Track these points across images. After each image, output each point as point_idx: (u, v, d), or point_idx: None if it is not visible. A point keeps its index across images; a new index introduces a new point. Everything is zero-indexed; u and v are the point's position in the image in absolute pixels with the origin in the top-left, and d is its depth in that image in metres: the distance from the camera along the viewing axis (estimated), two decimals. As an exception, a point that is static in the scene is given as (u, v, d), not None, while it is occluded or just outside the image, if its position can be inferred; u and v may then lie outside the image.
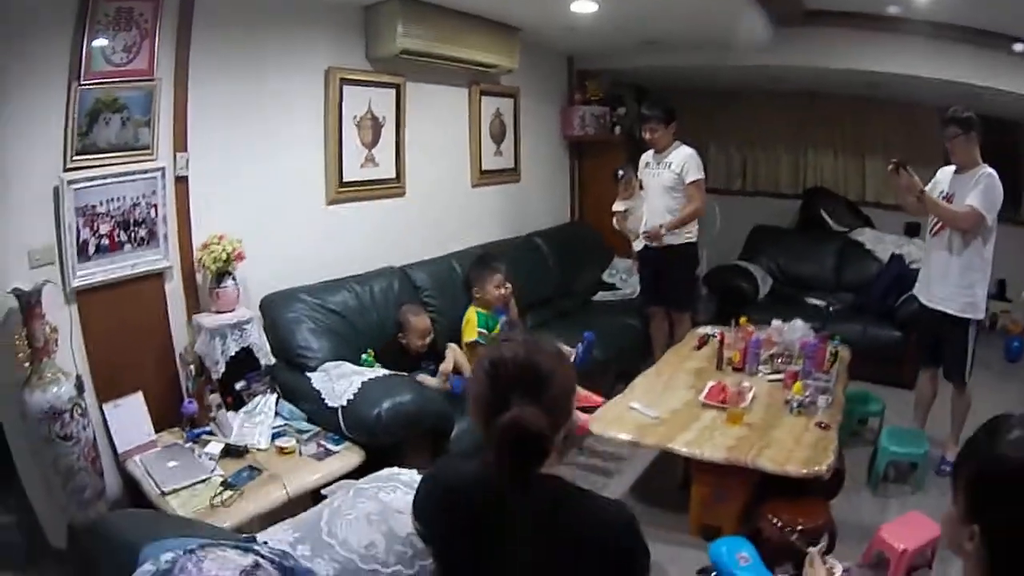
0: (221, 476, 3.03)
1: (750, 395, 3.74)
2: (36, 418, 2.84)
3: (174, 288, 3.58)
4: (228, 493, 2.90)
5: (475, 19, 4.64)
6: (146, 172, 3.36)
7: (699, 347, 4.52)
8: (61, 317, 3.09)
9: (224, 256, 3.51)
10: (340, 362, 3.71)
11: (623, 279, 5.86)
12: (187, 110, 3.51)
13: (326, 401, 3.45)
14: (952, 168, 4.02)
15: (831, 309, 5.79)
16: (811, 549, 2.23)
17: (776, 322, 4.42)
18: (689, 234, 4.86)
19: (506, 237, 5.55)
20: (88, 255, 3.21)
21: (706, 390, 3.78)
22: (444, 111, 5.12)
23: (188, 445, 3.28)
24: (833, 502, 3.44)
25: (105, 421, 3.22)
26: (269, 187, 3.94)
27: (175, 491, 2.93)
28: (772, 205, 7.36)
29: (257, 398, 3.56)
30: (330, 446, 3.36)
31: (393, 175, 4.68)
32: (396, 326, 4.13)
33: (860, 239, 6.39)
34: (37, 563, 3.02)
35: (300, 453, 3.31)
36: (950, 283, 3.98)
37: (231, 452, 3.24)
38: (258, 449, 3.30)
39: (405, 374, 3.78)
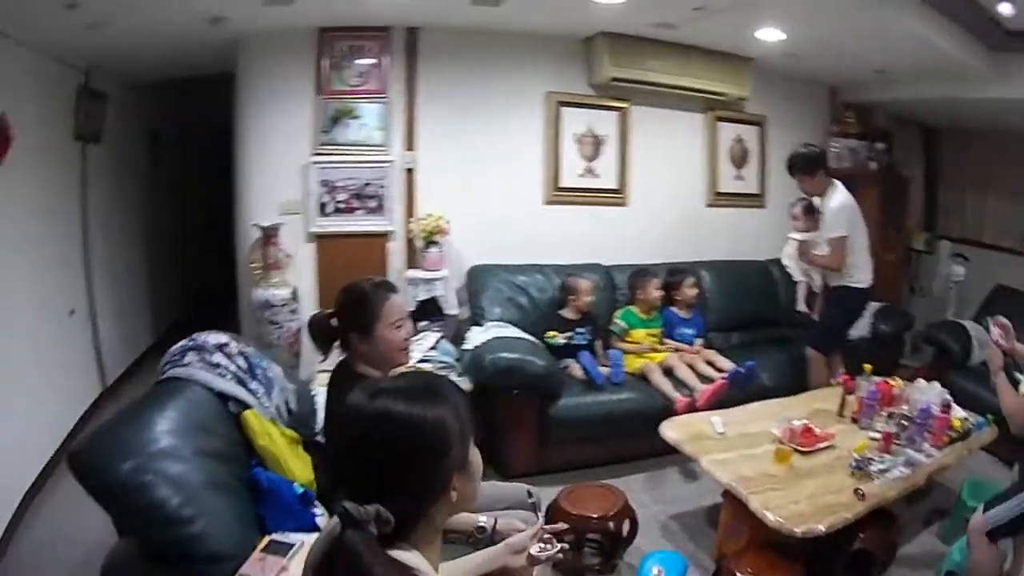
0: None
1: (826, 443, 3.71)
2: (256, 305, 4.79)
3: (396, 247, 5.31)
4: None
5: (695, 50, 5.50)
6: (378, 163, 5.17)
7: (851, 391, 4.35)
8: (303, 250, 5.08)
9: (429, 229, 5.07)
10: (504, 323, 4.98)
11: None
12: (415, 120, 5.24)
13: (465, 345, 4.79)
14: None
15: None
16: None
17: (920, 382, 4.28)
18: (851, 279, 4.91)
19: (739, 259, 6.05)
20: (326, 212, 5.11)
21: (785, 425, 3.78)
22: (675, 133, 6.04)
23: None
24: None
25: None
26: (489, 183, 5.47)
27: (326, 371, 4.44)
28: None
29: (425, 333, 5.00)
30: (453, 376, 4.58)
31: (615, 186, 5.80)
32: (561, 295, 5.17)
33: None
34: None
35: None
36: None
37: (384, 363, 4.75)
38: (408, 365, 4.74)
39: (535, 340, 4.83)
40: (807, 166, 4.86)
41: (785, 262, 5.32)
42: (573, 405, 4.56)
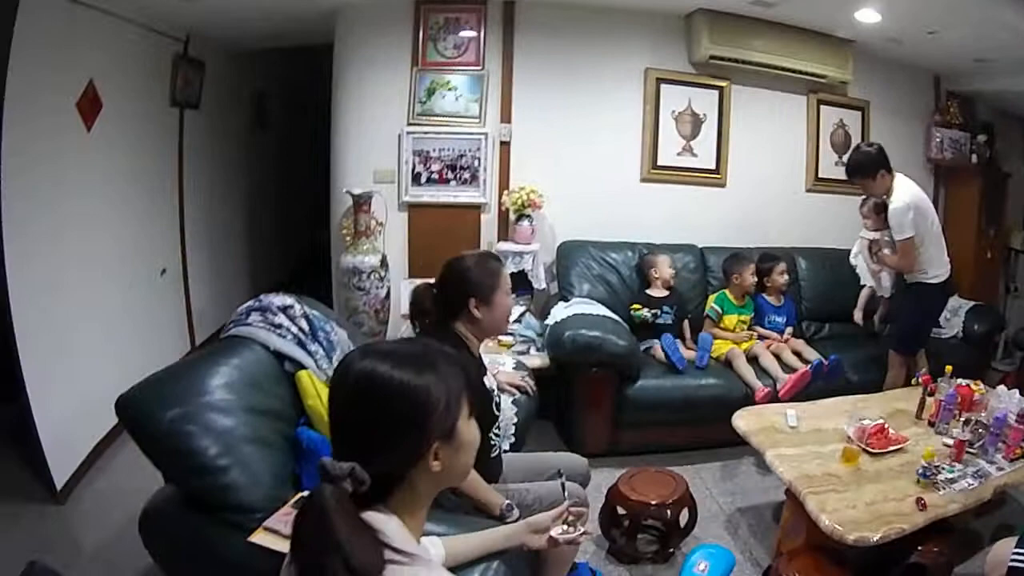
0: (442, 343, 4.53)
1: (898, 446, 3.44)
2: (343, 270, 4.82)
3: (489, 219, 5.31)
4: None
5: (796, 30, 5.31)
6: (472, 134, 5.16)
7: (931, 393, 4.00)
8: (395, 218, 5.11)
9: (519, 202, 5.02)
10: (590, 300, 4.90)
11: (947, 318, 5.45)
12: (512, 93, 5.21)
13: (548, 320, 4.72)
14: None
15: None
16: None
17: (1001, 388, 3.86)
18: (925, 275, 4.52)
19: (838, 247, 5.59)
20: (420, 182, 5.15)
21: (857, 424, 3.54)
22: (776, 115, 5.82)
23: (449, 320, 4.85)
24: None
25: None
26: (584, 158, 5.39)
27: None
28: None
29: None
30: (533, 350, 4.65)
31: (712, 166, 5.66)
32: (641, 275, 5.08)
33: None
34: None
35: (511, 347, 4.65)
36: None
37: (468, 334, 4.71)
38: (487, 339, 4.71)
39: (617, 319, 4.69)
40: (867, 168, 4.50)
41: (853, 262, 5.05)
42: (652, 387, 4.44)
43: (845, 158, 5.83)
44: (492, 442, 2.70)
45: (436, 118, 5.12)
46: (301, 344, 2.89)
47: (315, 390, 2.75)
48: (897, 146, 6.03)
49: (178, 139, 5.29)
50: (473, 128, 5.15)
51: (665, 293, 4.97)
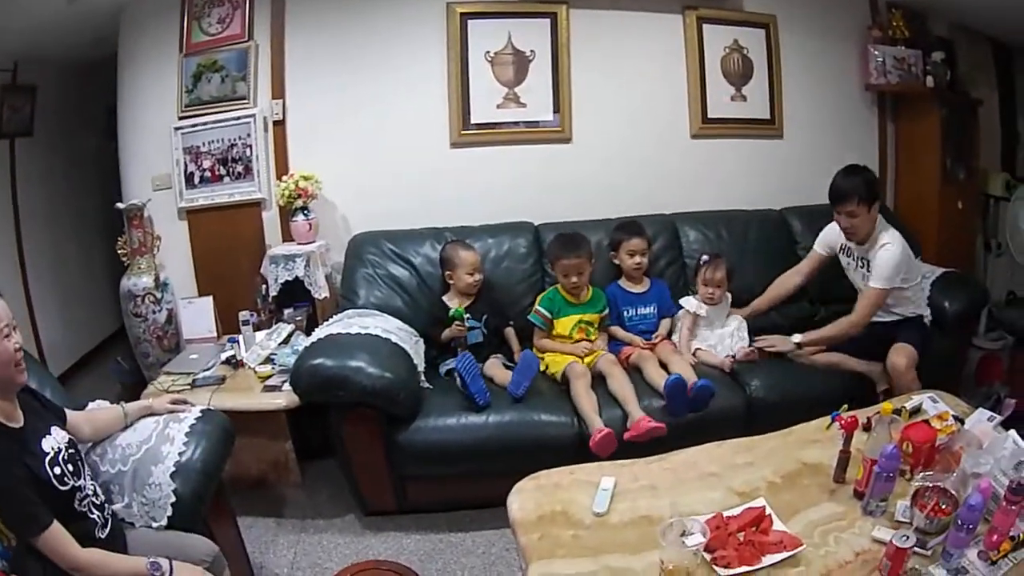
0: (196, 376, 3.69)
1: (782, 554, 1.92)
2: (122, 296, 4.24)
3: (271, 216, 4.39)
4: (179, 386, 3.56)
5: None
6: (241, 118, 4.28)
7: (866, 428, 2.48)
8: (176, 229, 4.40)
9: (287, 192, 4.07)
10: (376, 312, 3.80)
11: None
12: (284, 63, 4.25)
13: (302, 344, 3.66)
14: None
15: None
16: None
17: (979, 421, 2.29)
18: (923, 313, 3.63)
19: (744, 208, 4.34)
20: (194, 184, 4.36)
21: (707, 519, 2.04)
22: (640, 43, 4.43)
23: (223, 348, 3.99)
24: None
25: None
26: (380, 128, 4.34)
27: (168, 373, 3.78)
28: None
29: (280, 325, 4.08)
30: (287, 385, 3.50)
31: (549, 117, 4.39)
32: (441, 278, 3.86)
33: None
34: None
35: (267, 380, 3.65)
36: None
37: (229, 361, 3.85)
38: (249, 366, 3.80)
39: (403, 337, 3.57)
40: (868, 191, 3.35)
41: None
42: (430, 429, 3.22)
43: (746, 90, 4.53)
44: (91, 516, 2.09)
45: (203, 107, 4.28)
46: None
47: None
48: (822, 71, 4.75)
49: (9, 170, 4.97)
50: (241, 111, 4.26)
51: (468, 303, 3.75)
